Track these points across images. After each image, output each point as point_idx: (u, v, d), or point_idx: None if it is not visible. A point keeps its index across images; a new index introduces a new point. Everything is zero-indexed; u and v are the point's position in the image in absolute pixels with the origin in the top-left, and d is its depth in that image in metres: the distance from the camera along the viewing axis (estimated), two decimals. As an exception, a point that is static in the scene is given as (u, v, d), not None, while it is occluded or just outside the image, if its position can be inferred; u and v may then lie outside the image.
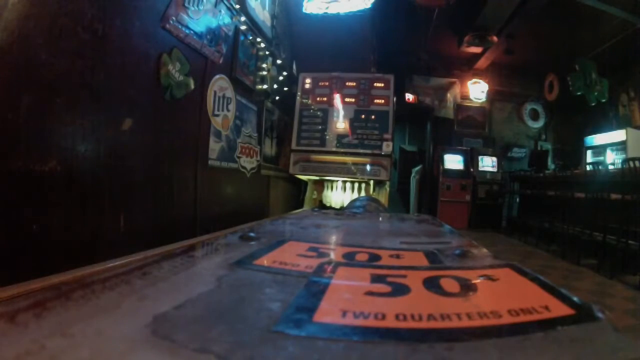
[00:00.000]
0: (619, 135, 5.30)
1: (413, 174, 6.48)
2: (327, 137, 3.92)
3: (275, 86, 3.56)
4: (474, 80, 6.96)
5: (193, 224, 2.23)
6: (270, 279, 0.35)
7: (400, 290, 0.31)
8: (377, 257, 0.45)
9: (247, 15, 2.85)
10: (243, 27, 2.79)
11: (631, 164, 2.88)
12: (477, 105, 7.03)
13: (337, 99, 3.97)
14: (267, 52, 3.30)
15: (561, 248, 3.80)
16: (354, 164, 3.79)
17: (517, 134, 7.19)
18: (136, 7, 1.68)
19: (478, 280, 0.35)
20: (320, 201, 4.12)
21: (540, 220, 4.42)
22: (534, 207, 4.79)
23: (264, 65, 3.29)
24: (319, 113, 3.98)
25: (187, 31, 2.03)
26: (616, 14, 4.56)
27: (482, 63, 6.57)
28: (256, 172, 3.21)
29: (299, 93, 4.03)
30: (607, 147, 5.59)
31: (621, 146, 5.23)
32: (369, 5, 3.93)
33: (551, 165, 6.61)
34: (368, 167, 3.78)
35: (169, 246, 0.53)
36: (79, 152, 1.40)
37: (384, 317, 0.24)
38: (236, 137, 2.82)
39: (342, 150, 3.85)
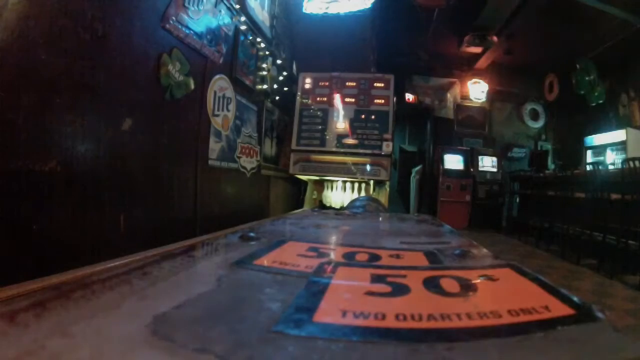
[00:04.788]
0: (619, 135, 5.29)
1: (413, 174, 6.48)
2: (327, 137, 3.92)
3: (275, 86, 3.56)
4: (474, 80, 6.96)
5: (193, 224, 2.23)
6: (270, 279, 0.35)
7: (400, 290, 0.31)
8: (377, 257, 0.45)
9: (247, 15, 2.85)
10: (243, 27, 2.79)
11: (631, 164, 2.88)
12: (477, 105, 7.03)
13: (337, 98, 3.97)
14: (267, 52, 3.30)
15: (561, 248, 3.80)
16: (354, 164, 3.79)
17: (517, 134, 7.19)
18: (136, 7, 1.68)
19: (478, 280, 0.36)
20: (320, 201, 4.12)
21: (540, 220, 4.42)
22: (534, 207, 4.79)
23: (264, 65, 3.29)
24: (319, 113, 3.98)
25: (187, 31, 2.03)
26: (616, 14, 4.56)
27: (482, 63, 6.56)
28: (256, 172, 3.21)
29: (299, 93, 4.02)
30: (607, 147, 5.59)
31: (621, 146, 5.23)
32: (368, 6, 3.94)
33: (551, 165, 6.61)
34: (368, 167, 3.78)
35: (169, 246, 0.53)
36: (79, 152, 1.40)
37: (384, 317, 0.24)
38: (236, 137, 2.82)
39: (342, 150, 3.85)
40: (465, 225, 5.88)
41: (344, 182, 4.03)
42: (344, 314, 0.24)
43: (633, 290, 2.57)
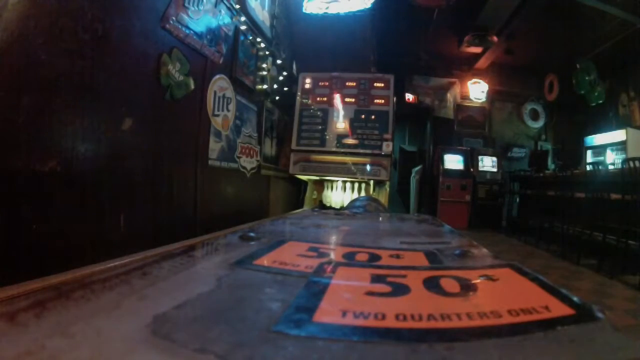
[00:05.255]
0: (619, 135, 5.29)
1: (413, 174, 6.47)
2: (327, 137, 3.92)
3: (275, 86, 3.56)
4: (474, 80, 6.96)
5: (193, 224, 2.23)
6: (270, 279, 0.35)
7: (400, 290, 0.31)
8: (377, 257, 0.45)
9: (247, 15, 2.85)
10: (243, 27, 2.79)
11: (631, 164, 2.88)
12: (477, 105, 7.03)
13: (337, 98, 3.97)
14: (267, 52, 3.30)
15: (561, 248, 3.80)
16: (354, 164, 3.79)
17: (517, 134, 7.19)
18: (136, 7, 1.68)
19: (478, 280, 0.36)
20: (320, 201, 4.12)
21: (540, 220, 4.42)
22: (534, 207, 4.79)
23: (264, 65, 3.29)
24: (319, 113, 3.98)
25: (187, 31, 2.03)
26: (616, 14, 4.56)
27: (482, 63, 6.56)
28: (256, 172, 3.21)
29: (299, 93, 4.02)
30: (607, 147, 5.59)
31: (621, 146, 5.23)
32: (369, 5, 3.93)
33: (551, 165, 6.61)
34: (368, 167, 3.78)
35: (169, 246, 0.53)
36: (79, 152, 1.40)
37: (384, 317, 0.24)
38: (236, 137, 2.82)
39: (342, 150, 3.85)
40: (465, 225, 5.88)
41: (344, 182, 4.03)
42: (344, 314, 0.24)
43: (633, 291, 2.57)
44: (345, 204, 3.60)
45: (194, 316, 0.23)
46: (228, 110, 2.65)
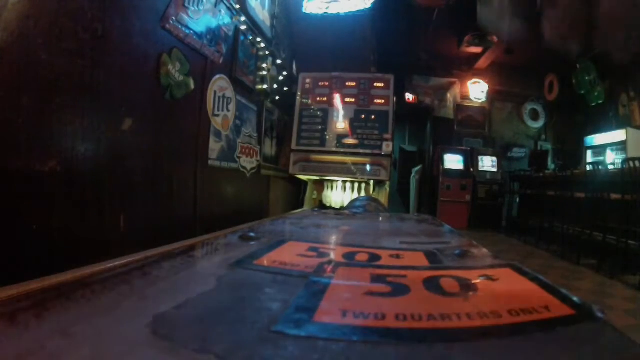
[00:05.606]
0: (619, 135, 5.29)
1: (413, 174, 6.47)
2: (327, 137, 3.92)
3: (275, 86, 3.56)
4: (474, 80, 6.96)
5: (193, 224, 2.23)
6: (270, 279, 0.35)
7: (400, 290, 0.31)
8: (377, 257, 0.45)
9: (247, 15, 2.85)
10: (243, 27, 2.79)
11: (631, 164, 2.87)
12: (477, 105, 7.03)
13: (337, 99, 3.97)
14: (267, 52, 3.30)
15: (561, 248, 3.80)
16: (354, 164, 3.79)
17: (517, 134, 7.19)
18: (136, 7, 1.68)
19: (478, 281, 0.36)
20: (320, 201, 4.12)
21: (540, 220, 4.41)
22: (534, 207, 4.79)
23: (264, 65, 3.29)
24: (319, 113, 3.98)
25: (187, 31, 2.03)
26: (616, 14, 4.56)
27: (482, 63, 6.56)
28: (256, 172, 3.21)
29: (299, 93, 4.02)
30: (607, 147, 5.58)
31: (621, 146, 5.23)
32: (369, 5, 3.93)
33: (551, 165, 6.61)
34: (368, 167, 3.78)
35: (169, 246, 0.53)
36: (79, 152, 1.40)
37: (384, 317, 0.24)
38: (236, 137, 2.82)
39: (342, 150, 3.85)
40: (465, 225, 5.88)
41: (344, 182, 4.03)
42: (344, 314, 0.24)
43: (633, 291, 2.57)
44: (345, 204, 3.60)
45: (194, 316, 0.23)
46: (228, 110, 2.65)
